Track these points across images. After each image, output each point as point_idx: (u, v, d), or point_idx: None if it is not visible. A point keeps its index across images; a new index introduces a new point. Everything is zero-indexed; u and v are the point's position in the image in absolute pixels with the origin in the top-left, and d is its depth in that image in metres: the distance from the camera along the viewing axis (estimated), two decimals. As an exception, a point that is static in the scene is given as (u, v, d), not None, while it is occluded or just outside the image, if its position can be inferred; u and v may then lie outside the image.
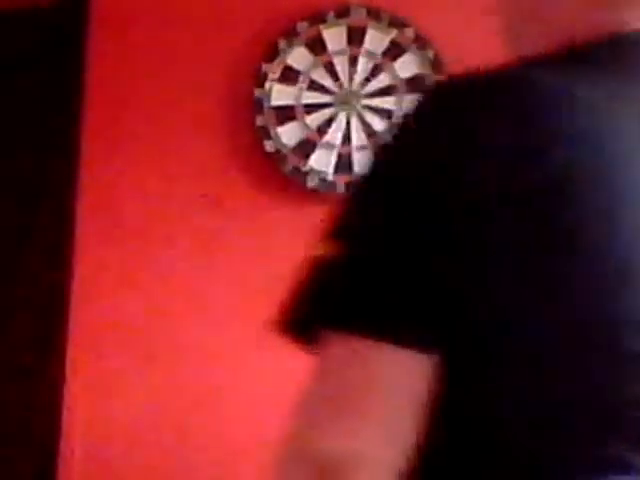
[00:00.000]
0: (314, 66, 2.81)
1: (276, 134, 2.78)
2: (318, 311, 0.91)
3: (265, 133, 2.79)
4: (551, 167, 0.86)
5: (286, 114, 2.80)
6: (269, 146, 2.78)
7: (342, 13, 2.81)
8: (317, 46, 2.82)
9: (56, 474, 2.75)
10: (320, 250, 0.92)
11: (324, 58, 2.82)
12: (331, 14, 2.82)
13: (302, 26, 2.82)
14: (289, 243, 2.80)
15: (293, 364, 2.81)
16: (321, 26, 2.82)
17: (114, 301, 2.83)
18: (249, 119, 2.81)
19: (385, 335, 0.87)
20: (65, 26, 2.98)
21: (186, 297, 2.81)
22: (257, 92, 2.81)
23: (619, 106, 0.91)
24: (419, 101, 0.91)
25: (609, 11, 0.95)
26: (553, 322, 0.87)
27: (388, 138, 0.93)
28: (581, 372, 0.87)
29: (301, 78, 2.81)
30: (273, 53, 2.82)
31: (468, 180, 0.86)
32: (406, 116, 0.93)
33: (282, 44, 2.82)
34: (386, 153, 0.94)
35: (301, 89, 2.81)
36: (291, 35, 2.82)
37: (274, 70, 2.82)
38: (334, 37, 2.81)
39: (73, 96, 2.92)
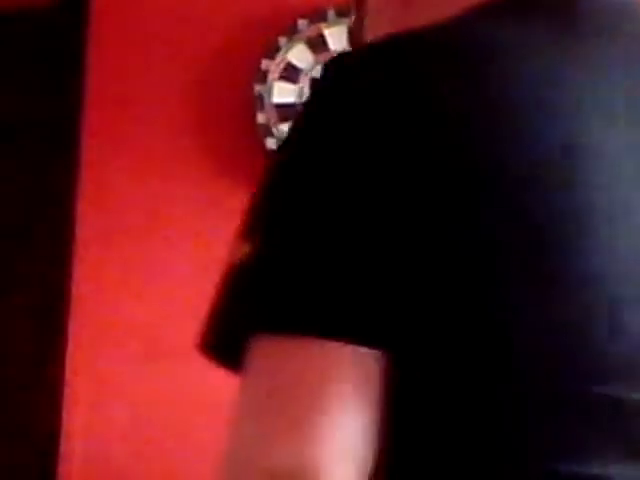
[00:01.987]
0: (315, 65, 2.81)
1: (278, 132, 2.78)
2: (247, 317, 0.80)
3: (267, 131, 2.78)
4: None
5: (288, 112, 2.79)
6: (271, 144, 2.78)
7: (343, 12, 2.81)
8: (318, 45, 2.81)
9: (56, 474, 2.75)
10: (234, 253, 0.81)
11: (326, 57, 2.81)
12: (332, 12, 2.82)
13: (302, 24, 2.82)
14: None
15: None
16: (322, 25, 2.82)
17: (114, 301, 2.82)
18: (250, 116, 2.81)
19: (329, 331, 0.77)
20: (65, 26, 2.98)
21: (186, 298, 2.80)
22: (257, 89, 2.81)
23: (563, 54, 0.83)
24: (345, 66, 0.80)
25: None
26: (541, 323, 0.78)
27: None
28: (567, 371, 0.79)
29: (302, 76, 2.81)
30: (273, 50, 2.82)
31: (433, 162, 0.77)
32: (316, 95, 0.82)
33: (282, 41, 2.81)
34: (301, 141, 0.81)
35: (303, 87, 2.81)
36: (291, 32, 2.82)
37: (275, 67, 2.81)
38: (336, 36, 2.81)
39: (73, 96, 2.92)
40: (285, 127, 2.78)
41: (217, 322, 0.82)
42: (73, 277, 2.84)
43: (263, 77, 2.81)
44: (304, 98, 2.86)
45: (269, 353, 0.78)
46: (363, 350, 0.77)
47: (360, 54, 0.83)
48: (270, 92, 2.80)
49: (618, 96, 0.84)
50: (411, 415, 0.80)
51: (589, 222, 0.79)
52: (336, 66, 0.81)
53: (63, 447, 2.78)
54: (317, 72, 2.81)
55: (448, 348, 0.78)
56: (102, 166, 2.88)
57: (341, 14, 2.81)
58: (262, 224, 0.81)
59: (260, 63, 2.81)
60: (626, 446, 0.80)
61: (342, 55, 0.84)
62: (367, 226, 0.77)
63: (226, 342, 0.81)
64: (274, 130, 2.78)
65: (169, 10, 2.92)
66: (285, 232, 0.79)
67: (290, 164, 0.81)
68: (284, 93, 2.80)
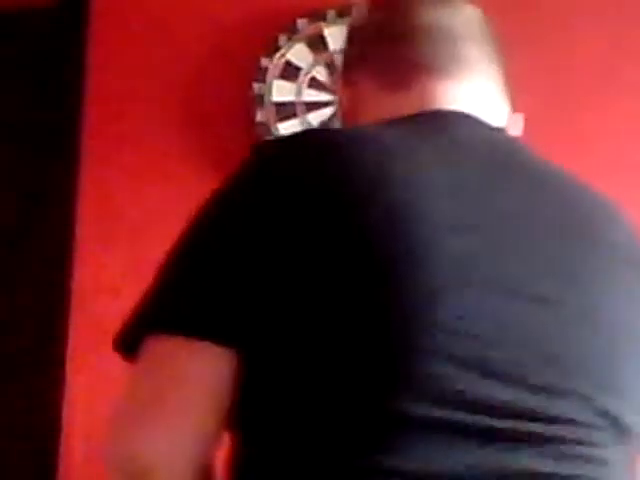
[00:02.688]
0: (315, 64, 2.81)
1: (277, 130, 2.77)
2: (137, 321, 1.04)
3: (265, 129, 2.78)
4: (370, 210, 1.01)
5: (287, 111, 2.79)
6: (269, 142, 2.78)
7: (342, 12, 2.81)
8: (318, 44, 2.82)
9: (56, 474, 2.75)
10: None
11: (325, 56, 2.81)
12: (331, 12, 2.82)
13: (302, 23, 2.82)
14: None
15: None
16: (322, 24, 2.82)
17: (114, 301, 2.82)
18: (249, 115, 2.81)
19: (186, 329, 0.98)
20: (65, 26, 2.98)
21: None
22: (257, 87, 2.81)
23: (424, 154, 1.07)
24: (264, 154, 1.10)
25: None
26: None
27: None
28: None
29: (302, 75, 2.81)
30: (273, 48, 2.82)
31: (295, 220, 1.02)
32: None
33: (282, 39, 2.82)
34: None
35: (301, 86, 2.81)
36: (291, 31, 2.82)
37: (274, 65, 2.81)
38: (335, 36, 2.80)
39: (73, 96, 2.92)
40: (284, 125, 2.78)
41: (126, 322, 1.06)
42: (73, 277, 2.84)
43: (262, 75, 2.81)
44: (303, 96, 2.88)
45: (150, 350, 1.00)
46: (221, 349, 0.97)
47: (277, 144, 1.14)
48: (270, 90, 2.80)
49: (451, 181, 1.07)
50: (255, 404, 0.98)
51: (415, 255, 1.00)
52: (257, 153, 1.12)
53: (63, 447, 2.77)
54: (316, 71, 2.81)
55: (292, 352, 0.97)
56: (102, 166, 2.88)
57: (340, 14, 2.81)
58: (169, 259, 1.09)
59: (259, 61, 2.81)
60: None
61: (265, 143, 1.16)
62: (239, 262, 1.01)
63: (129, 339, 1.04)
64: (273, 128, 2.78)
65: (169, 9, 2.92)
66: (179, 267, 1.07)
67: (207, 218, 1.10)
68: (283, 91, 2.80)
